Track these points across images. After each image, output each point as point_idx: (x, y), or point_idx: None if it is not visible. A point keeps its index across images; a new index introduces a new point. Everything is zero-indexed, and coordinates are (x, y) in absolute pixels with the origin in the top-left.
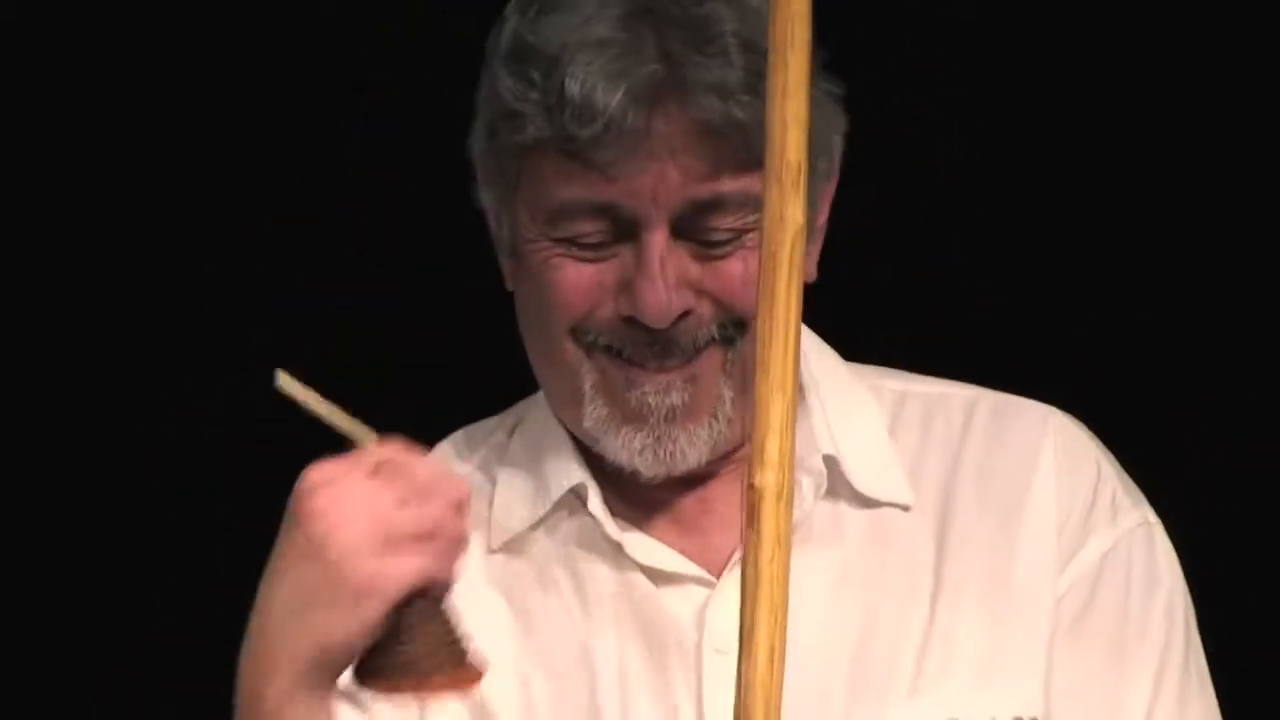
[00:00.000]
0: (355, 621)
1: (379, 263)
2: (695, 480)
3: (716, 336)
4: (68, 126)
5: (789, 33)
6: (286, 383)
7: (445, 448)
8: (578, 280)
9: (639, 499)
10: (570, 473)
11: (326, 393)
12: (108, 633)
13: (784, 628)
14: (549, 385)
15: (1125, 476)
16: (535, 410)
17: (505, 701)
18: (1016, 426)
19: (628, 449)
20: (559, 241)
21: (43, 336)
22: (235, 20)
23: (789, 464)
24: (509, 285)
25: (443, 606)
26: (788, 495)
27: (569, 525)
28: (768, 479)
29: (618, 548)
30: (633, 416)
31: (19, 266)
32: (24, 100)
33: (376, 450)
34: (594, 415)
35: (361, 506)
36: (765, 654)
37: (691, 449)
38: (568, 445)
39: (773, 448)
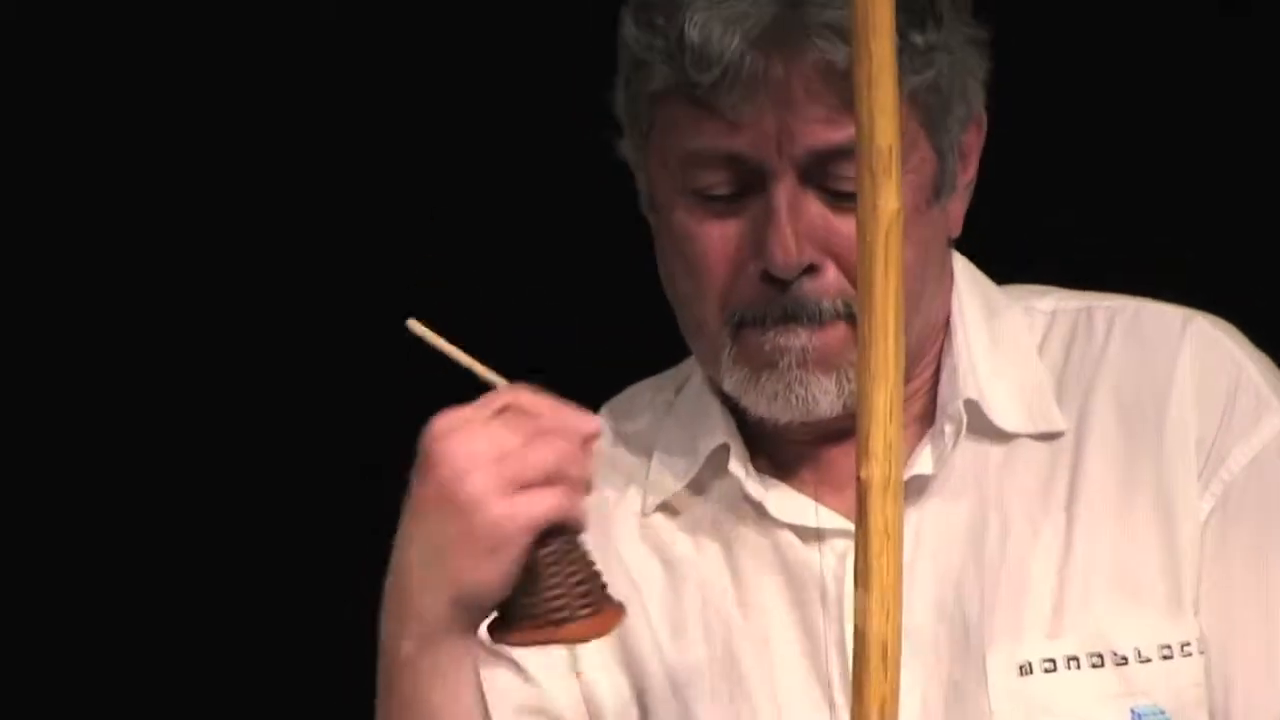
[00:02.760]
0: (491, 566)
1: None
2: (838, 435)
3: (842, 312)
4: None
5: (870, 19)
6: (419, 327)
7: (615, 405)
8: (714, 241)
9: (785, 456)
10: (716, 433)
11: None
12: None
13: (897, 623)
14: (694, 346)
15: (1276, 378)
16: (699, 369)
17: (657, 661)
18: (1153, 336)
19: (764, 397)
20: (693, 194)
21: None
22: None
23: (896, 455)
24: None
25: (576, 547)
26: (895, 486)
27: (719, 486)
28: (874, 471)
29: (760, 507)
30: (765, 363)
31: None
32: (25, 103)
33: (501, 394)
34: (734, 378)
35: (487, 450)
36: (878, 650)
37: (823, 396)
38: (717, 406)
39: (878, 440)
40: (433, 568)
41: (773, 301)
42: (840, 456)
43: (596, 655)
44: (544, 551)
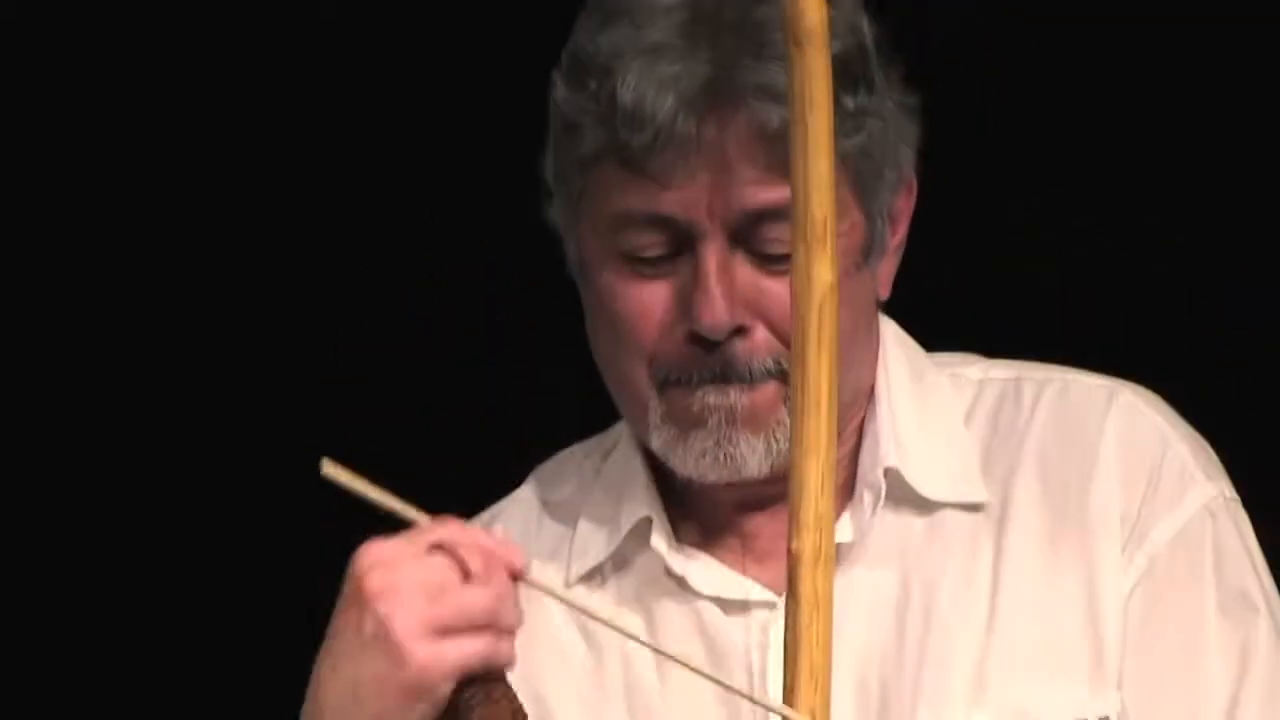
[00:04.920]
0: (415, 707)
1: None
2: (764, 502)
3: (773, 370)
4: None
5: (807, 92)
6: (333, 470)
7: (542, 472)
8: (642, 301)
9: (711, 524)
10: (639, 505)
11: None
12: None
13: (825, 691)
14: (621, 406)
15: (1202, 451)
16: (628, 433)
17: None
18: (1079, 410)
19: (691, 456)
20: (622, 256)
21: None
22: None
23: (827, 526)
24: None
25: (499, 688)
26: (826, 558)
27: (642, 558)
28: (805, 543)
29: (682, 580)
30: (694, 422)
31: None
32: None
33: (432, 528)
34: (662, 437)
35: (419, 589)
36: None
37: (751, 456)
38: (643, 473)
39: (809, 511)
40: (356, 705)
41: (701, 362)
42: (766, 526)
43: None
44: (466, 694)
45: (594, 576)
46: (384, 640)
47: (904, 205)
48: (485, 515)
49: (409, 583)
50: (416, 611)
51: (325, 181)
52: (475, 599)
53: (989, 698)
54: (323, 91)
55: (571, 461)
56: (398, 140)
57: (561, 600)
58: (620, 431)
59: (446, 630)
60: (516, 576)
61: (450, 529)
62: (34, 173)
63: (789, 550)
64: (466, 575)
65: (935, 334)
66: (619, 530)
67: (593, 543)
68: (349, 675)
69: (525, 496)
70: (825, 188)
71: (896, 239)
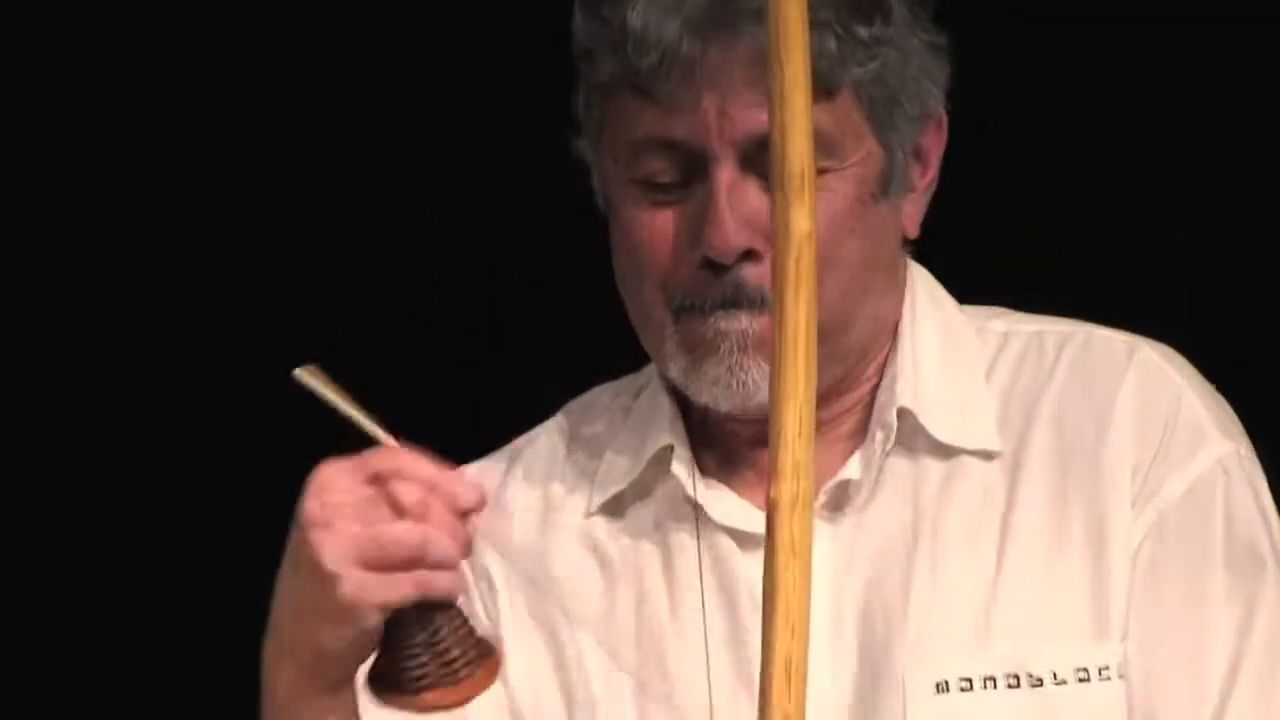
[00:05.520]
0: (344, 634)
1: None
2: None
3: None
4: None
5: (782, 40)
6: (306, 376)
7: (573, 407)
8: (658, 229)
9: (732, 456)
10: (662, 434)
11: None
12: (119, 636)
13: (803, 640)
14: (642, 336)
15: (1220, 409)
16: (657, 371)
17: (588, 665)
18: (1099, 364)
19: (705, 383)
20: (639, 184)
21: (54, 332)
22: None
23: (805, 473)
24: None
25: (438, 618)
26: (803, 504)
27: (663, 487)
28: (782, 490)
29: (700, 509)
30: (706, 349)
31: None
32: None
33: (383, 455)
34: (677, 365)
35: (352, 518)
36: (782, 667)
37: (764, 381)
38: (667, 406)
39: (786, 459)
40: (296, 623)
41: (713, 287)
42: None
43: (525, 659)
44: (400, 625)
45: (615, 505)
46: (313, 567)
47: (932, 143)
48: (519, 441)
49: (341, 511)
50: (344, 541)
51: (325, 182)
52: (407, 536)
53: (991, 646)
54: (323, 92)
55: (603, 398)
56: (398, 140)
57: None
58: (651, 372)
59: (371, 562)
60: (465, 513)
61: (397, 458)
62: (34, 173)
63: (767, 496)
64: (405, 508)
65: None
66: (641, 459)
67: (616, 472)
68: (290, 596)
69: (556, 427)
70: (802, 136)
71: (926, 178)
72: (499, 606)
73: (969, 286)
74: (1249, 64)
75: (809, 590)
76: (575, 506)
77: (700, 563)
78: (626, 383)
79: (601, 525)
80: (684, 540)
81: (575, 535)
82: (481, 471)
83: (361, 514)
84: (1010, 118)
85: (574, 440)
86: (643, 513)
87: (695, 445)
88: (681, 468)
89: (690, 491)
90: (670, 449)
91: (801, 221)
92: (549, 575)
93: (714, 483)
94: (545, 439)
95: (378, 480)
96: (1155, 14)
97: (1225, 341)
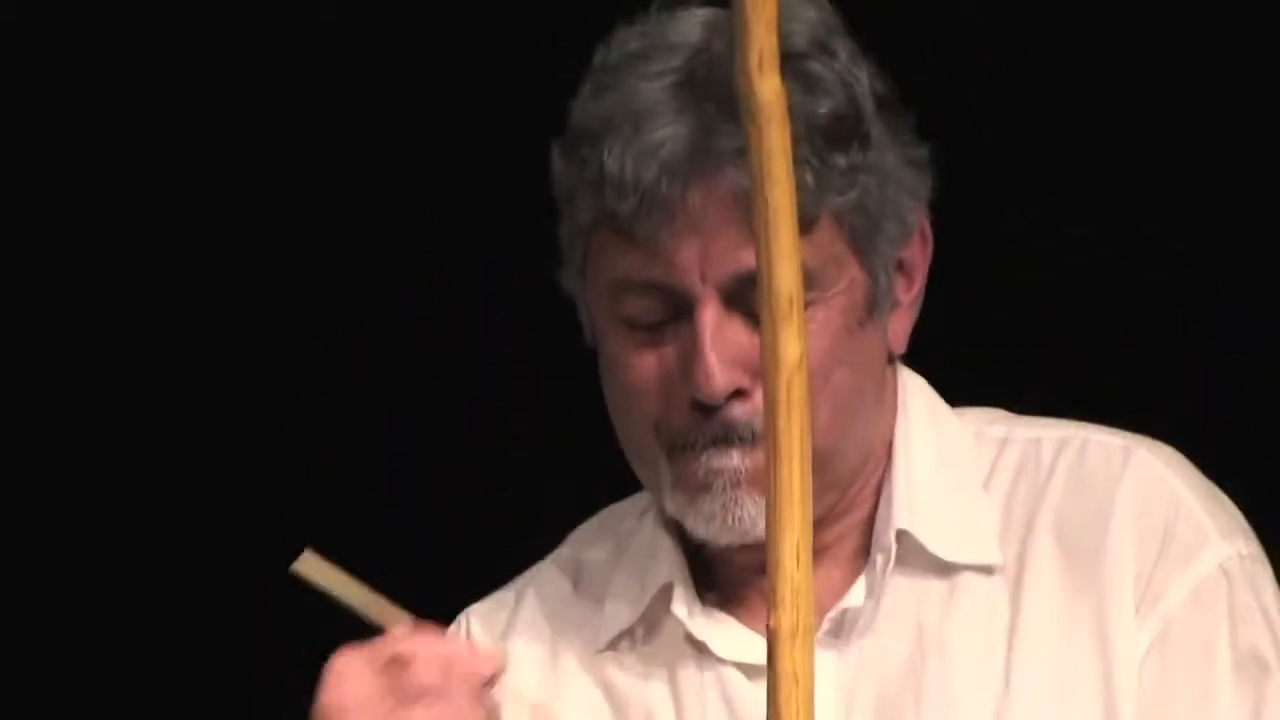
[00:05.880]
0: None
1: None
2: None
3: None
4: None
5: (766, 168)
6: (309, 566)
7: (581, 532)
8: (646, 370)
9: (735, 584)
10: (662, 570)
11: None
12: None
13: None
14: (638, 472)
15: (1218, 508)
16: None
17: None
18: (1095, 469)
19: (701, 520)
20: (624, 323)
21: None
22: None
23: (805, 602)
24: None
25: None
26: (804, 633)
27: (668, 622)
28: (781, 620)
29: (704, 646)
30: (700, 487)
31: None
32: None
33: (395, 641)
34: (674, 502)
35: (371, 707)
36: None
37: (760, 517)
38: (667, 539)
39: (784, 587)
40: None
41: (703, 427)
42: None
43: None
44: None
45: (622, 641)
46: None
47: (916, 257)
48: (525, 576)
49: (359, 700)
50: None
51: (325, 182)
52: (422, 717)
53: None
54: (323, 92)
55: (609, 521)
56: (398, 140)
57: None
58: None
59: None
60: (489, 683)
61: (414, 640)
62: (34, 173)
63: (768, 627)
64: (420, 692)
65: (931, 343)
66: (644, 597)
67: (622, 608)
68: None
69: (563, 558)
70: (789, 262)
71: (912, 292)
72: None
73: (965, 295)
74: (1247, 70)
75: (813, 718)
76: (584, 644)
77: (705, 696)
78: (633, 503)
79: (611, 661)
80: (691, 674)
81: (586, 673)
82: (489, 611)
83: (376, 703)
84: (1006, 125)
85: (581, 569)
86: (649, 649)
87: (697, 575)
88: (682, 606)
89: (691, 630)
90: (670, 586)
91: (792, 348)
92: (562, 714)
93: (717, 613)
94: (552, 573)
95: (395, 664)
96: (1153, 18)
97: (1221, 350)
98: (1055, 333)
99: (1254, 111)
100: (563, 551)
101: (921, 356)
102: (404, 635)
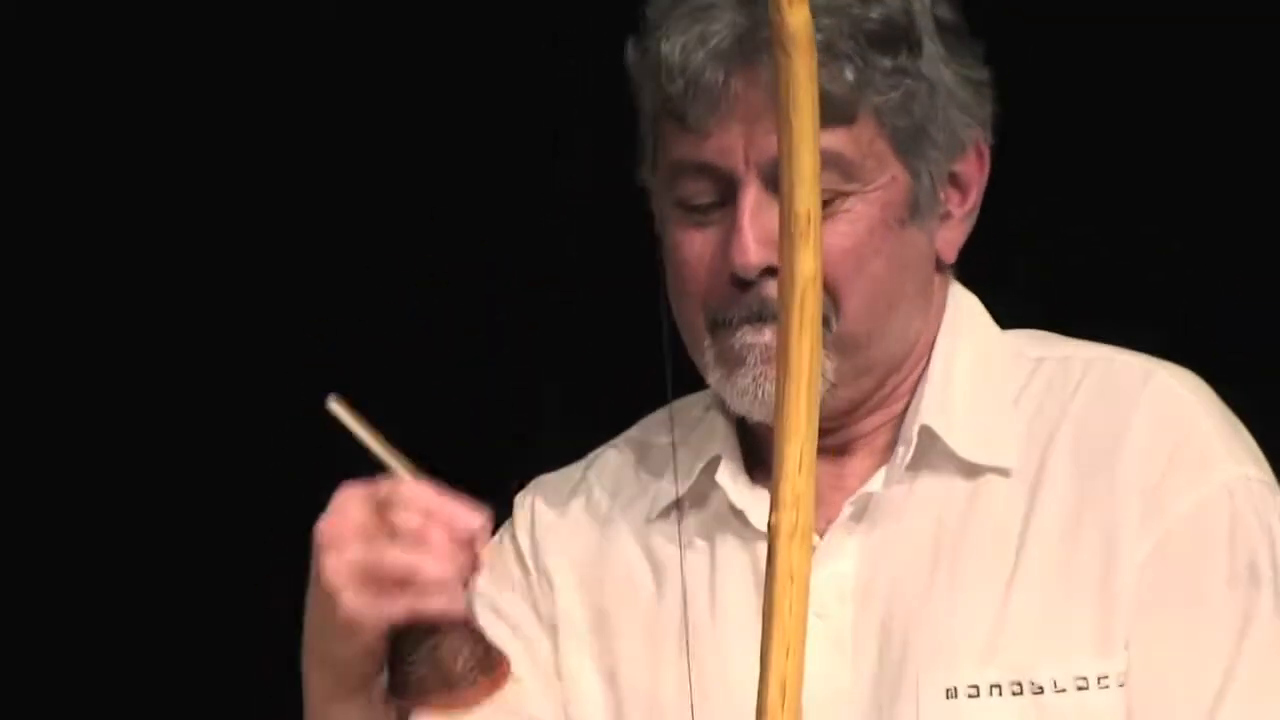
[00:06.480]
0: (350, 646)
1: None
2: (825, 447)
3: None
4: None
5: (792, 94)
6: (338, 408)
7: (649, 420)
8: (696, 249)
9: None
10: (714, 444)
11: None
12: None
13: (798, 661)
14: (691, 352)
15: (1231, 432)
16: None
17: (634, 668)
18: (1117, 387)
19: (737, 394)
20: (680, 206)
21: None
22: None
23: (805, 504)
24: None
25: (436, 634)
26: (802, 534)
27: (714, 495)
28: (782, 519)
29: (743, 515)
30: (735, 361)
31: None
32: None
33: (390, 484)
34: (714, 377)
35: (355, 540)
36: (777, 688)
37: None
38: (721, 419)
39: (787, 490)
40: (313, 636)
41: (740, 302)
42: (820, 472)
43: (576, 655)
44: (404, 639)
45: (672, 510)
46: (319, 584)
47: (972, 172)
48: (595, 453)
49: (348, 532)
50: (344, 563)
51: (325, 182)
52: (403, 557)
53: (998, 655)
54: (323, 92)
55: (678, 411)
56: (398, 140)
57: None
58: None
59: (370, 584)
60: (468, 541)
61: (402, 487)
62: (34, 173)
63: (769, 524)
64: (405, 532)
65: None
66: (695, 469)
67: (673, 481)
68: (310, 609)
69: (631, 439)
70: (809, 184)
71: (966, 206)
72: (557, 605)
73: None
74: (1247, 70)
75: (806, 615)
76: (637, 513)
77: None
78: (698, 398)
79: (659, 530)
80: (729, 544)
81: (634, 540)
82: (556, 480)
83: (364, 538)
84: (1007, 125)
85: (644, 450)
86: (697, 517)
87: (746, 453)
88: (726, 476)
89: (732, 499)
90: (718, 459)
91: (807, 263)
92: (607, 577)
93: (759, 487)
94: (618, 449)
95: (385, 505)
96: (1154, 18)
97: (1221, 349)
98: (1055, 333)
99: (1254, 111)
100: (632, 433)
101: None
102: (399, 481)
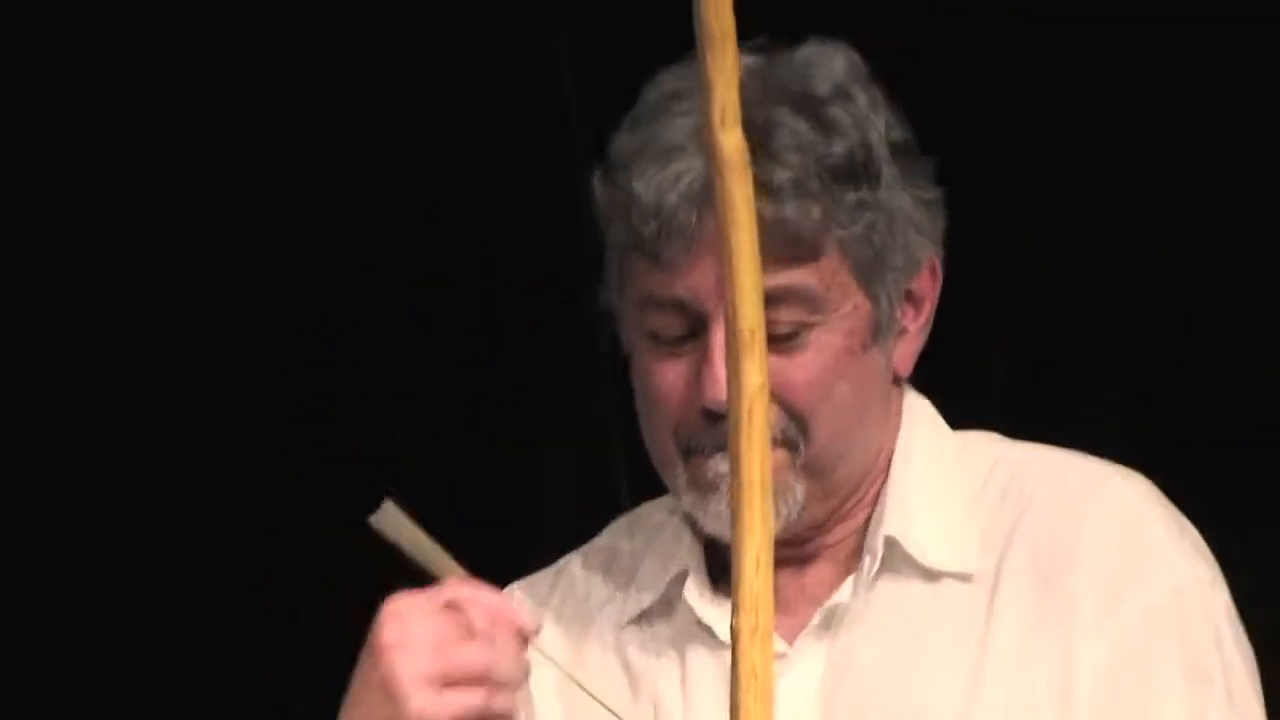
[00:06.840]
0: None
1: None
2: (784, 561)
3: (779, 438)
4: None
5: (730, 215)
6: (384, 523)
7: (621, 522)
8: (667, 379)
9: None
10: (680, 557)
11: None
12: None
13: None
14: (660, 473)
15: (1181, 535)
16: None
17: None
18: (1073, 492)
19: (710, 518)
20: (650, 337)
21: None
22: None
23: (765, 605)
24: None
25: None
26: (763, 634)
27: (683, 606)
28: (742, 622)
29: (711, 630)
30: (709, 487)
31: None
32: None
33: (449, 586)
34: (687, 501)
35: (424, 642)
36: None
37: None
38: (688, 532)
39: (747, 593)
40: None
41: (712, 433)
42: (788, 583)
43: None
44: None
45: (643, 620)
46: (388, 687)
47: (925, 289)
48: (564, 559)
49: (416, 637)
50: (419, 663)
51: (325, 182)
52: (473, 654)
53: None
54: (323, 92)
55: (642, 516)
56: (398, 140)
57: (559, 668)
58: None
59: (445, 681)
60: (524, 638)
61: (464, 588)
62: (34, 173)
63: (730, 628)
64: (471, 633)
65: (933, 342)
66: (663, 581)
67: (645, 589)
68: (360, 695)
69: (599, 545)
70: (751, 299)
71: (920, 320)
72: (534, 711)
73: (967, 294)
74: (1247, 71)
75: (770, 714)
76: (610, 620)
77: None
78: (662, 502)
79: (633, 637)
80: (699, 655)
81: (609, 647)
82: (530, 585)
83: (433, 638)
84: (1008, 125)
85: (615, 555)
86: (666, 630)
87: (712, 566)
88: (693, 591)
89: (700, 615)
90: (686, 573)
91: (753, 376)
92: (584, 680)
93: (725, 601)
94: (588, 557)
95: (449, 608)
96: (1154, 19)
97: (1222, 350)
98: (1055, 331)
99: (1254, 111)
100: (599, 540)
101: (922, 355)
102: (455, 584)
